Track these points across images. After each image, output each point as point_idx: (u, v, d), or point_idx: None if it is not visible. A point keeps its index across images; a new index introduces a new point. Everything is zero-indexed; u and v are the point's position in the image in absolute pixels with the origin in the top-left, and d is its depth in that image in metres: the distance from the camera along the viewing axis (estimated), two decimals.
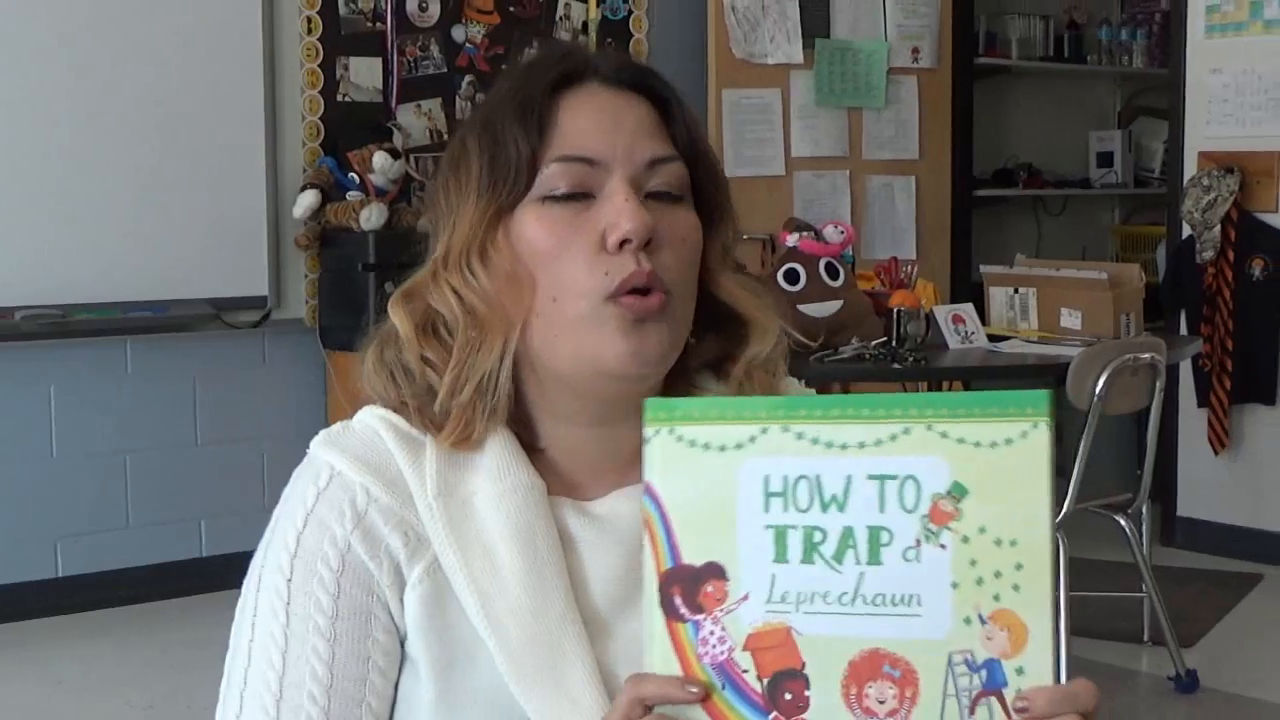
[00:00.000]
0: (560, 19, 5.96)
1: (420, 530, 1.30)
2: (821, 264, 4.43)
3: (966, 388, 5.88)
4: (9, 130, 4.86)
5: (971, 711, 1.09)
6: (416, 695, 1.31)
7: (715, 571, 1.12)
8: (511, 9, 5.85)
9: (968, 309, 4.66)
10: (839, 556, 1.11)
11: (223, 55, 5.22)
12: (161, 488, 5.33)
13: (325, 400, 5.51)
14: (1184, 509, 6.12)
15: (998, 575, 1.09)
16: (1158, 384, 4.27)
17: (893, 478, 1.11)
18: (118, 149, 5.03)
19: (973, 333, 4.56)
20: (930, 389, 4.77)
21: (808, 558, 1.11)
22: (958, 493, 1.10)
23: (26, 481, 5.10)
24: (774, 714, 1.10)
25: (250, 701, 1.29)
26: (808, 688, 1.10)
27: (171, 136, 5.12)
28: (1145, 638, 4.77)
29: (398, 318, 1.36)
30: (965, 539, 1.09)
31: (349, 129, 5.48)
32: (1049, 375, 4.40)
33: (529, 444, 1.37)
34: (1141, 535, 4.52)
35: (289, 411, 5.49)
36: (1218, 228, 5.85)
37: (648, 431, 1.14)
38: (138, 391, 5.27)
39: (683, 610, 1.12)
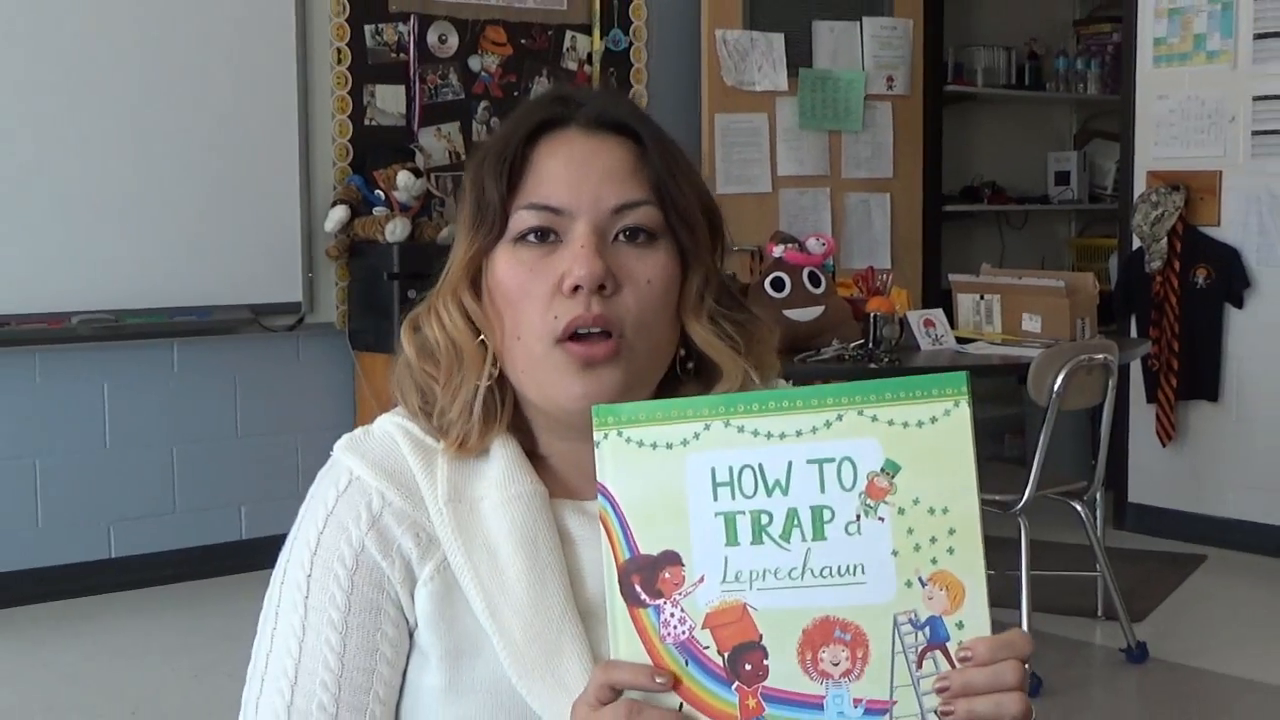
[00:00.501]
0: (567, 50, 5.96)
1: (431, 531, 1.30)
2: (805, 273, 4.42)
3: None
4: (70, 155, 4.88)
5: (919, 665, 1.09)
6: (425, 683, 1.31)
7: (671, 559, 1.11)
8: (523, 41, 5.85)
9: (938, 314, 4.65)
10: (786, 536, 1.10)
11: (261, 84, 5.23)
12: (205, 476, 5.33)
13: (354, 396, 5.50)
14: (1134, 495, 6.12)
15: (933, 541, 1.10)
16: (1110, 382, 4.27)
17: (830, 460, 1.11)
18: (165, 169, 5.04)
19: (942, 335, 4.55)
20: None
21: (757, 539, 1.11)
22: (891, 469, 1.10)
23: (83, 470, 5.11)
24: (736, 684, 1.10)
25: (269, 685, 1.30)
26: (766, 657, 1.10)
27: (215, 157, 5.13)
28: (1099, 613, 4.76)
29: (405, 340, 1.37)
30: (901, 510, 1.10)
31: (375, 150, 5.48)
32: (1012, 375, 4.40)
33: (531, 450, 1.36)
34: (1096, 519, 4.53)
35: (321, 406, 5.50)
36: (1165, 240, 5.86)
37: (597, 436, 1.14)
38: (183, 389, 5.28)
39: (643, 596, 1.12)
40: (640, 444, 1.13)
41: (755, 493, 1.11)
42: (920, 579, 1.09)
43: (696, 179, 1.36)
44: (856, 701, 1.09)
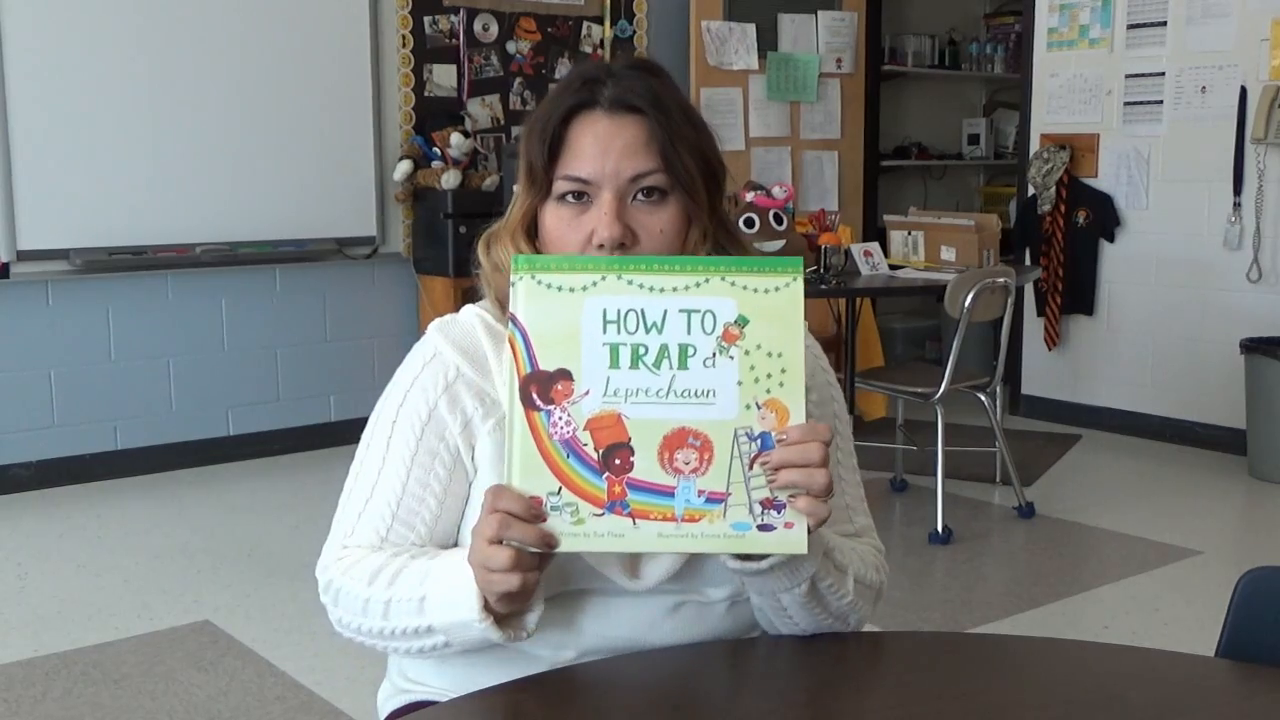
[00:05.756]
0: (584, 37, 5.90)
1: (495, 396, 1.33)
2: (770, 214, 4.40)
3: (874, 305, 5.89)
4: (195, 122, 4.84)
5: (750, 467, 1.12)
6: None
7: (564, 375, 1.12)
8: (549, 30, 5.79)
9: (874, 246, 4.63)
10: (657, 364, 1.12)
11: (343, 65, 5.18)
12: (302, 371, 5.33)
13: (417, 309, 5.48)
14: (1026, 388, 6.13)
15: (769, 376, 1.12)
16: (1009, 300, 4.26)
17: (697, 311, 1.13)
18: (270, 133, 5.01)
19: (878, 263, 4.54)
20: (847, 306, 4.75)
21: (634, 365, 1.12)
22: (742, 322, 1.13)
23: (206, 367, 5.11)
24: (606, 474, 1.11)
25: (356, 495, 1.37)
26: (633, 455, 1.11)
27: (308, 122, 5.10)
28: (997, 479, 4.79)
29: (481, 256, 1.39)
30: (747, 352, 1.12)
31: (433, 116, 5.44)
32: (932, 294, 4.39)
33: None
34: (996, 407, 4.54)
35: (391, 317, 5.48)
36: (1053, 189, 5.84)
37: (514, 278, 1.13)
38: (284, 304, 5.27)
39: (538, 401, 1.11)
40: (549, 286, 1.13)
41: (636, 330, 1.12)
42: (757, 403, 1.12)
43: (701, 144, 1.35)
44: (700, 492, 1.11)
